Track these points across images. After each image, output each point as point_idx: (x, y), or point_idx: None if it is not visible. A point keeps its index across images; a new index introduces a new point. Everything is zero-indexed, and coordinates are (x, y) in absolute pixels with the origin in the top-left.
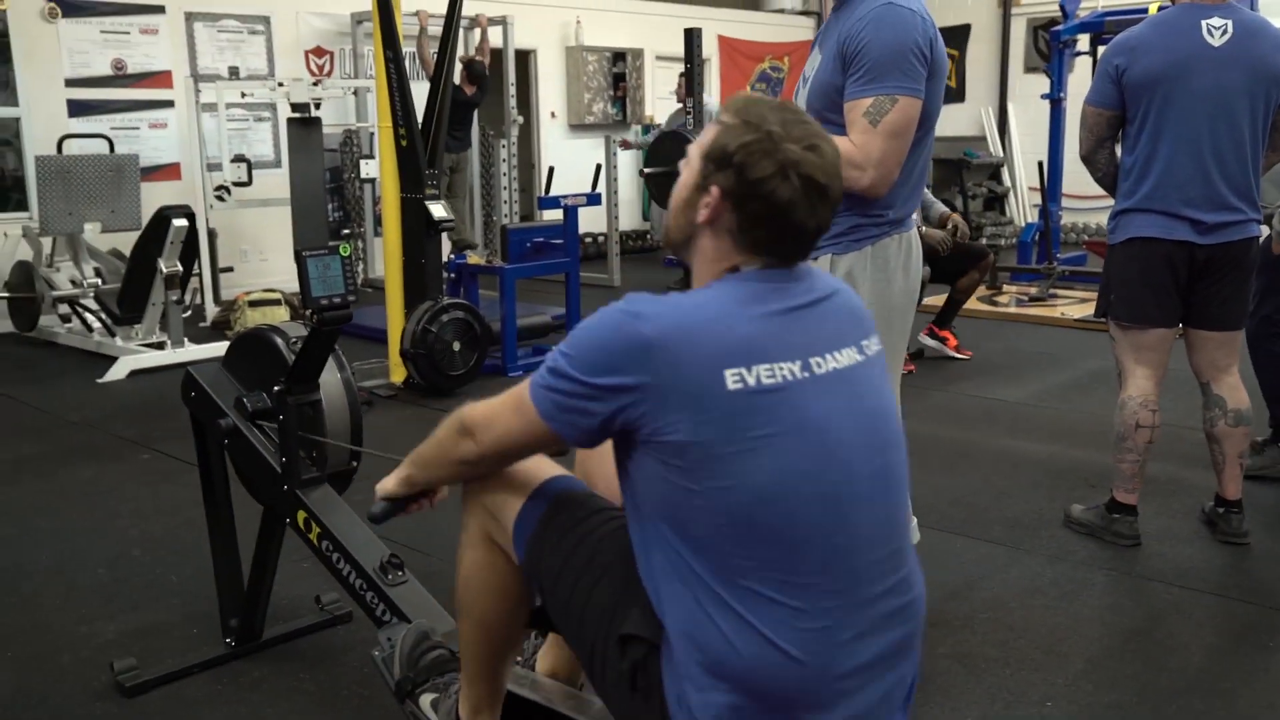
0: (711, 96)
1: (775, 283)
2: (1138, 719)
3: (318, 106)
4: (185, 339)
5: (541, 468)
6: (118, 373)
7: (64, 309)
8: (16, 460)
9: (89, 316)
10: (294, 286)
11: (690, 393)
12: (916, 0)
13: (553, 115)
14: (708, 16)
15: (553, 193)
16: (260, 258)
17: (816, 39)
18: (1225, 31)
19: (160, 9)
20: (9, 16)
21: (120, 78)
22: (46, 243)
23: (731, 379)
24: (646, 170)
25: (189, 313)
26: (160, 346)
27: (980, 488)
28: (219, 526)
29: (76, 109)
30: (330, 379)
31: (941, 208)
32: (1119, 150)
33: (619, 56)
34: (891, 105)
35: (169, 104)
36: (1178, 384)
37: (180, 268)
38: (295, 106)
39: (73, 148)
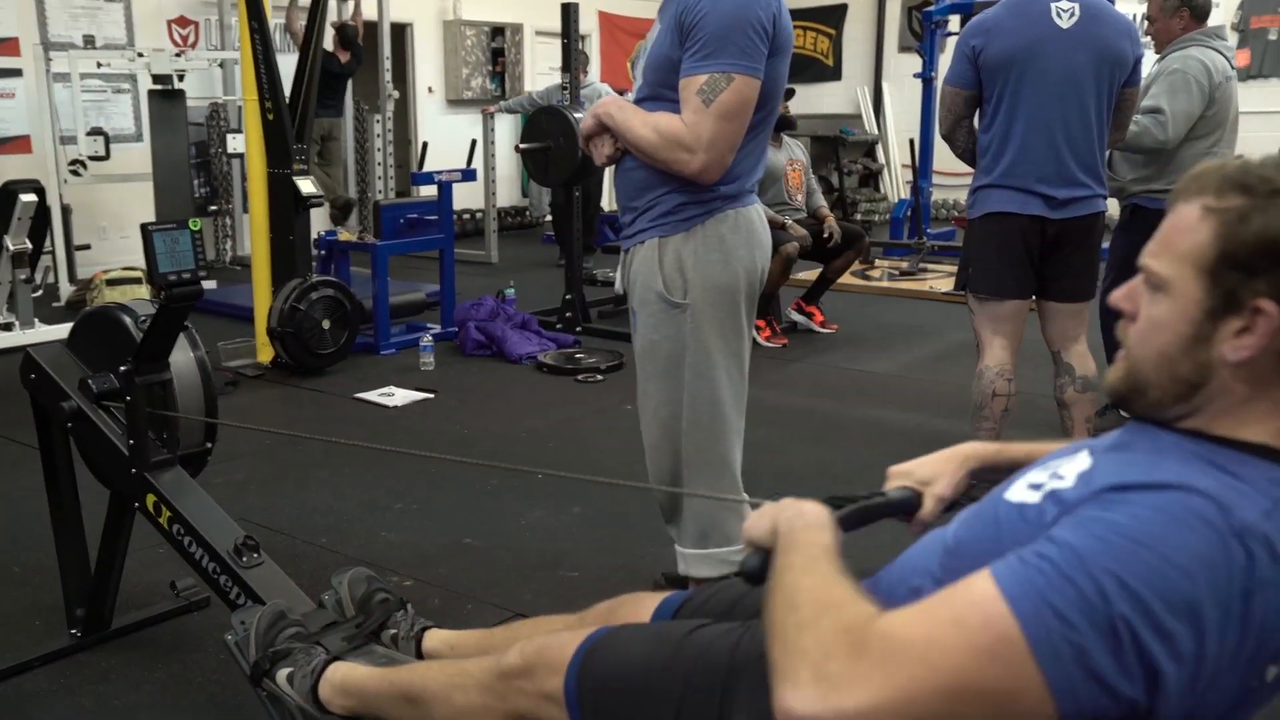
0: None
1: None
2: None
3: (181, 79)
4: (36, 320)
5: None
6: None
7: None
8: None
9: None
10: None
11: (1243, 659)
12: None
13: (430, 90)
14: None
15: (428, 168)
16: (120, 235)
17: (660, 7)
18: (1073, 14)
19: None
20: None
21: None
22: None
23: (1273, 672)
24: (522, 145)
25: (40, 292)
26: (8, 328)
27: (847, 457)
28: (63, 513)
29: None
30: (182, 358)
31: (820, 202)
32: (977, 126)
33: (498, 31)
34: (727, 84)
35: (17, 73)
36: (1033, 354)
37: (29, 245)
38: (157, 78)
39: None
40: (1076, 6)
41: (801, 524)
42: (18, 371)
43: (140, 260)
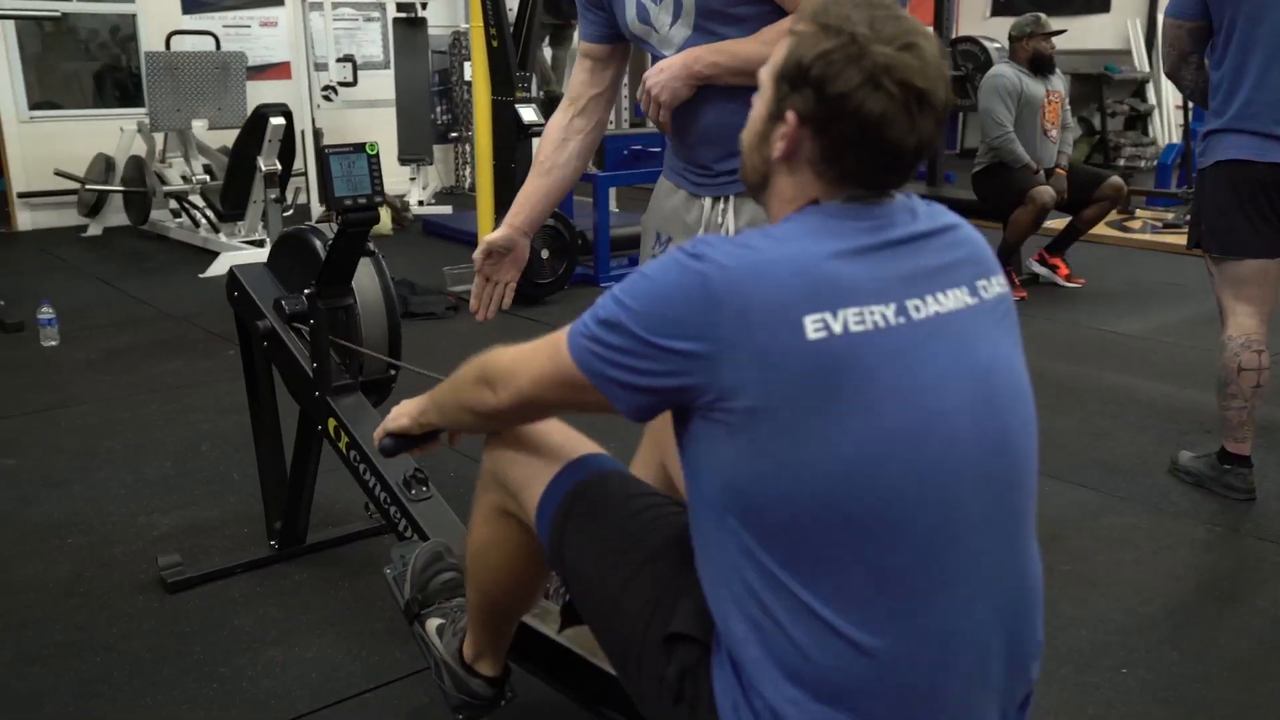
0: None
1: (868, 217)
2: (1224, 695)
3: (424, 7)
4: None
5: (573, 441)
6: (218, 269)
7: (174, 204)
8: (111, 351)
9: (195, 212)
10: (399, 189)
11: (762, 347)
12: None
13: None
14: None
15: None
16: None
17: None
18: None
19: None
20: None
21: None
22: (159, 139)
23: (812, 327)
24: None
25: (291, 211)
26: (260, 244)
27: (1080, 427)
28: (262, 428)
29: (190, 5)
30: (369, 284)
31: (1066, 149)
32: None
33: None
34: None
35: (279, 1)
36: None
37: (279, 166)
38: (401, 6)
39: (185, 45)
40: None
41: (425, 402)
42: None
43: (386, 184)
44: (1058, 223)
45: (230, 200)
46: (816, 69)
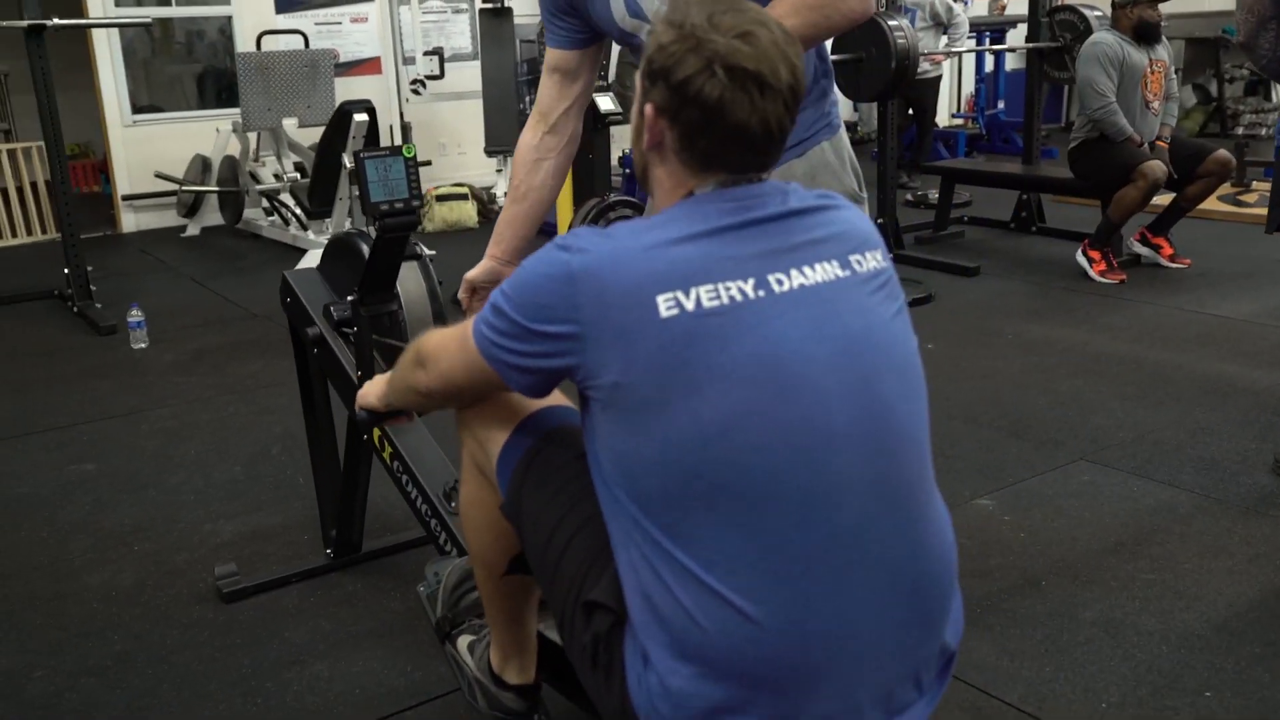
0: None
1: (732, 199)
2: None
3: None
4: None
5: (519, 397)
6: (306, 265)
7: (266, 203)
8: (198, 352)
9: (285, 210)
10: (486, 180)
11: (620, 326)
12: None
13: None
14: None
15: None
16: (459, 151)
17: None
18: None
19: None
20: None
21: None
22: (252, 138)
23: (664, 305)
24: (830, 57)
25: None
26: None
27: (1176, 421)
28: (318, 436)
29: (283, 4)
30: (415, 289)
31: (1168, 122)
32: None
33: None
34: None
35: None
36: None
37: None
38: None
39: (278, 44)
40: None
41: (385, 384)
42: None
43: (474, 177)
44: (1161, 199)
45: (318, 197)
46: (659, 61)
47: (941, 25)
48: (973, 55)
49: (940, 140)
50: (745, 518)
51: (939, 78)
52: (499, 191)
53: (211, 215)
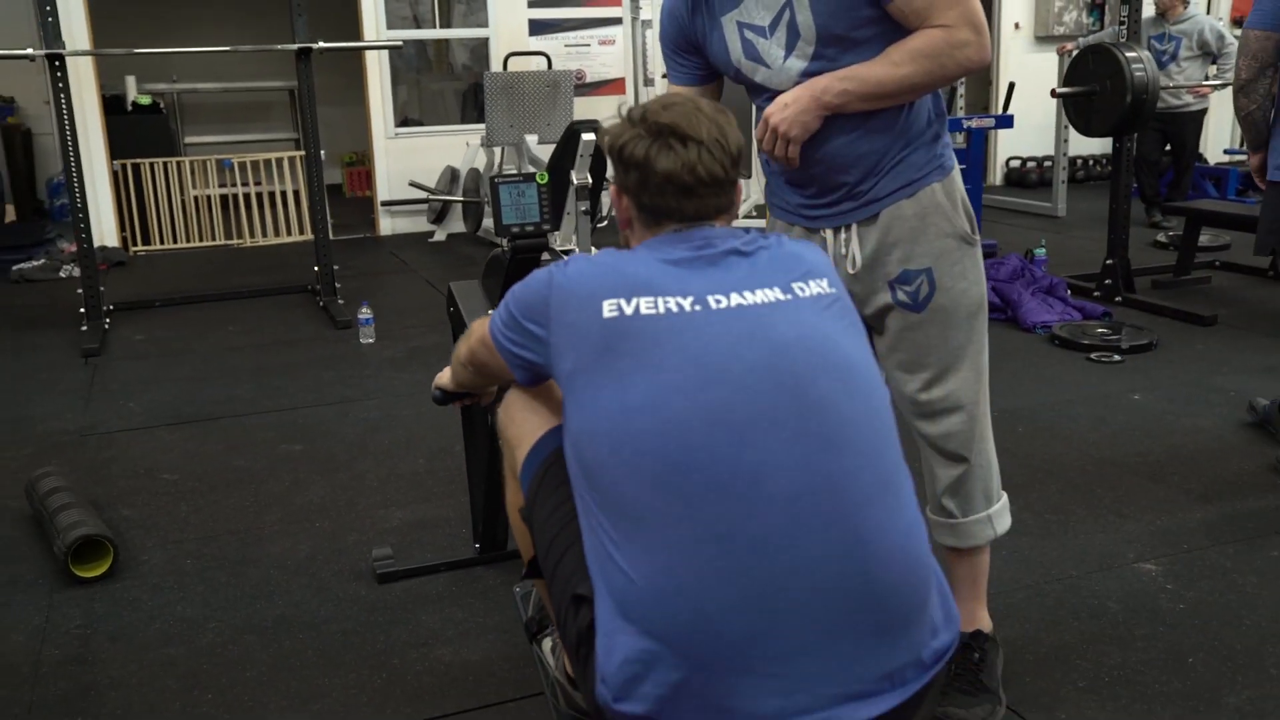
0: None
1: (684, 240)
2: None
3: None
4: (593, 247)
5: (559, 406)
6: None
7: None
8: (415, 350)
9: None
10: None
11: (572, 323)
12: None
13: (1016, 26)
14: None
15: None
16: None
17: None
18: None
19: None
20: None
21: None
22: (496, 151)
23: (608, 308)
24: (1060, 90)
25: (605, 222)
26: (569, 253)
27: None
28: (473, 438)
29: (535, 28)
30: None
31: None
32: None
33: None
34: None
35: (617, 21)
36: None
37: (590, 179)
38: None
39: (528, 64)
40: None
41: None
42: None
43: None
44: None
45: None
46: (608, 141)
47: (1210, 54)
48: None
49: (1209, 178)
50: (668, 479)
51: (1203, 111)
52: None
53: (456, 223)
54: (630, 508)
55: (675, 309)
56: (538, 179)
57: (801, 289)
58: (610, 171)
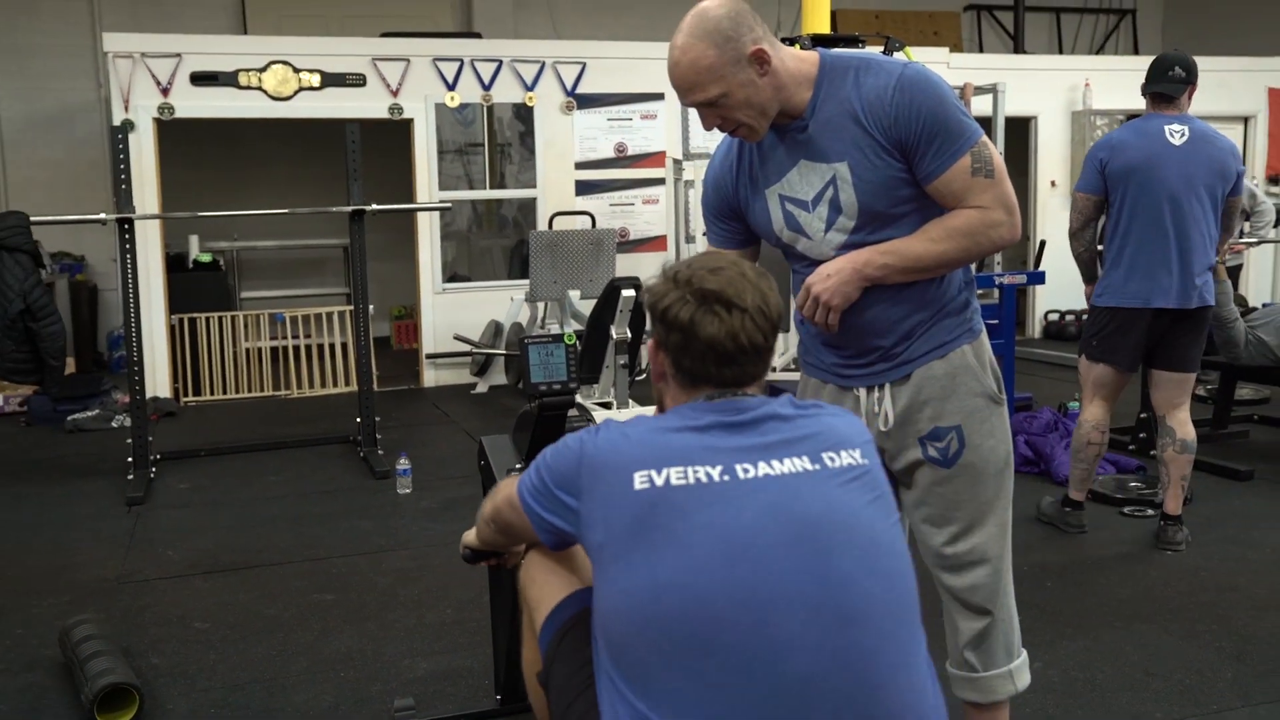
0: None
1: (716, 407)
2: None
3: None
4: (630, 400)
5: (584, 570)
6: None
7: None
8: (450, 501)
9: None
10: None
11: (604, 495)
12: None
13: (1053, 184)
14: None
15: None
16: None
17: (757, 160)
18: (1184, 135)
19: (660, 96)
20: (535, 113)
21: (620, 159)
22: (540, 307)
23: (639, 480)
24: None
25: (643, 375)
26: (607, 406)
27: None
28: (499, 587)
29: (582, 189)
30: None
31: None
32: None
33: (1132, 119)
34: (987, 149)
35: (660, 181)
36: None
37: (630, 334)
38: None
39: (574, 223)
40: (1187, 129)
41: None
42: None
43: None
44: None
45: (586, 365)
46: (651, 301)
47: (1244, 212)
48: None
49: None
50: (691, 663)
51: (1238, 267)
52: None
53: (499, 375)
54: (652, 682)
55: (705, 479)
56: (565, 339)
57: (832, 459)
58: (649, 324)
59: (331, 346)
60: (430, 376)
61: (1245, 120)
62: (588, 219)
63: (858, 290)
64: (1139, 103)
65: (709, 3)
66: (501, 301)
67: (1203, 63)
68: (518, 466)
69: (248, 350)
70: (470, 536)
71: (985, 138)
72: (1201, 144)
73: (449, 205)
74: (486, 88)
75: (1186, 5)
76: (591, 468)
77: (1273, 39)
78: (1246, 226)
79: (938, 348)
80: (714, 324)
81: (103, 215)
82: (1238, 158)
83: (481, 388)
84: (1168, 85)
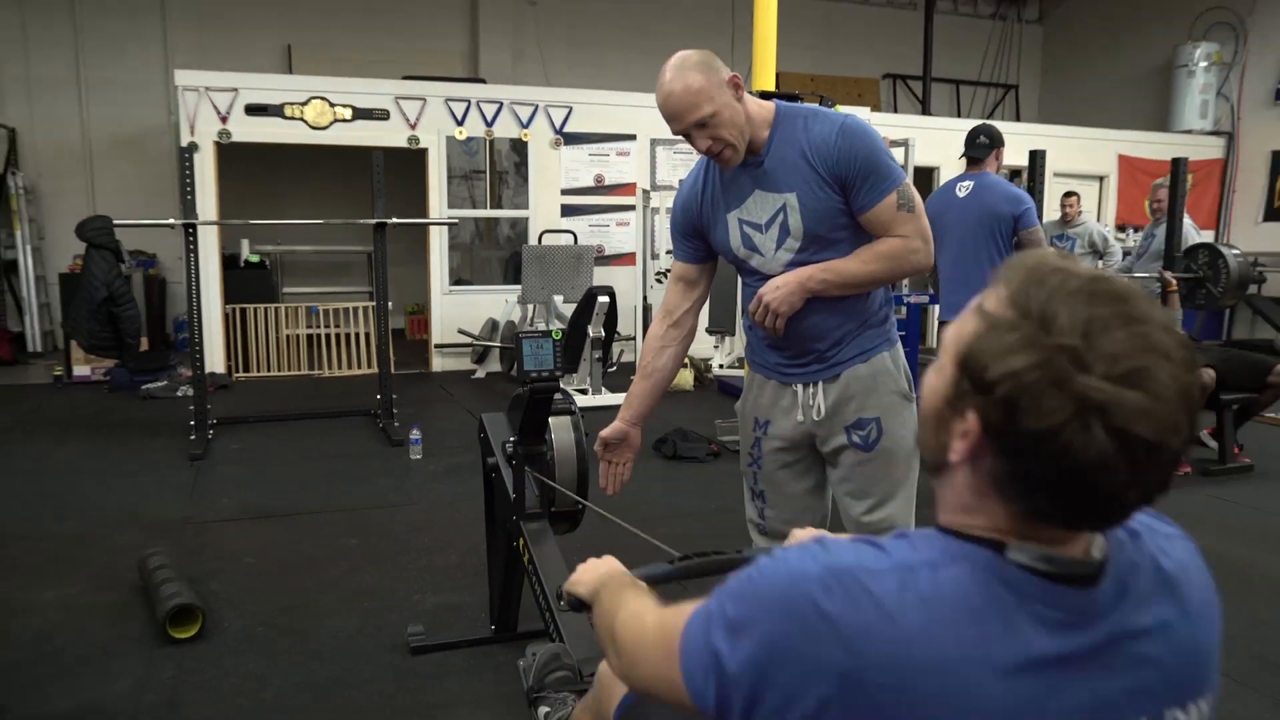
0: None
1: (1054, 601)
2: None
3: None
4: (604, 388)
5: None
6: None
7: None
8: (454, 465)
9: None
10: (706, 353)
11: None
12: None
13: None
14: (1113, 138)
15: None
16: None
17: (719, 189)
18: (968, 189)
19: (633, 136)
20: (529, 147)
21: (599, 188)
22: (529, 308)
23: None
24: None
25: (615, 368)
26: (584, 392)
27: (1247, 618)
28: (494, 538)
29: (566, 211)
30: (564, 438)
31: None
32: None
33: (1015, 175)
34: (909, 189)
35: (631, 208)
36: None
37: (604, 333)
38: None
39: (558, 239)
40: (972, 184)
41: (607, 575)
42: (595, 427)
43: (697, 350)
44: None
45: (567, 358)
46: (1004, 388)
47: (1098, 252)
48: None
49: None
50: None
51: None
52: (715, 363)
53: (494, 364)
54: None
55: None
56: (553, 335)
57: (1193, 712)
58: (707, 324)
59: (357, 335)
60: (438, 363)
61: (1100, 179)
62: (571, 236)
63: (801, 300)
64: (1017, 158)
65: (685, 50)
66: (498, 302)
67: (1066, 131)
68: (512, 438)
69: (288, 336)
70: (580, 590)
71: (908, 180)
72: (982, 193)
73: (456, 221)
74: (489, 124)
75: (1058, 84)
76: (865, 699)
77: (1125, 114)
78: (1100, 264)
79: (863, 353)
80: (1124, 479)
81: (171, 221)
82: (1012, 201)
83: (480, 374)
84: (974, 150)
